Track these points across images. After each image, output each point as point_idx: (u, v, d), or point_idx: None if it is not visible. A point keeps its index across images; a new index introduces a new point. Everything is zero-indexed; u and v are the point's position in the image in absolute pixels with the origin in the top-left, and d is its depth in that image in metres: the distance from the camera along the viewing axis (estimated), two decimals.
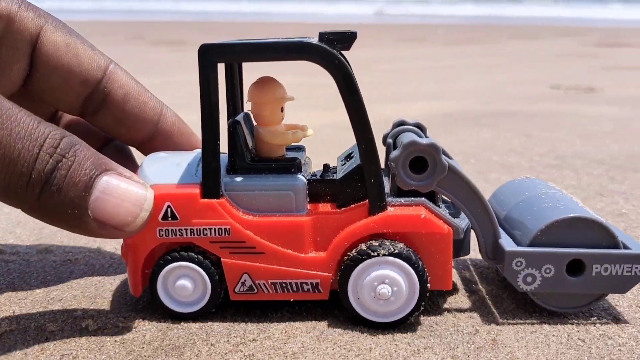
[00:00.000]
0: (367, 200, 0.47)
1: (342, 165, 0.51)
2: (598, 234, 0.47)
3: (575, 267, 0.47)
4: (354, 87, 0.44)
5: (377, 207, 0.47)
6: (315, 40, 0.44)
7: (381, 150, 0.54)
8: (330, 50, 0.44)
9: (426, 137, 0.55)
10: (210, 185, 0.46)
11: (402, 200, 0.47)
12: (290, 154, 0.51)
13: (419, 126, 0.55)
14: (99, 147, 0.58)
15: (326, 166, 0.50)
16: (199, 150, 0.52)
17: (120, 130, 0.55)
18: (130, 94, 0.54)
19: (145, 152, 0.58)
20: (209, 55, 0.44)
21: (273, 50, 0.44)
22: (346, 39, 0.44)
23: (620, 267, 0.46)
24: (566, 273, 0.47)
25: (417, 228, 0.46)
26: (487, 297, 0.53)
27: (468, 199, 0.47)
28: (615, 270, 0.46)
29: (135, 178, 0.46)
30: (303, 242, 0.47)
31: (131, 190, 0.44)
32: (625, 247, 0.47)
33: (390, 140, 0.54)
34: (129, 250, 0.48)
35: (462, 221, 0.50)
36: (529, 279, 0.47)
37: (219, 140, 0.45)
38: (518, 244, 0.48)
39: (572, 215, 0.46)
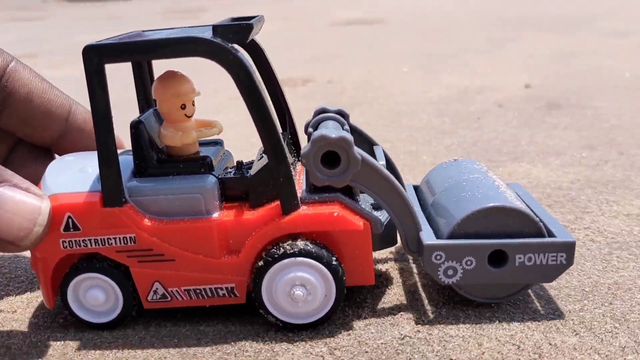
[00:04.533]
0: None
1: (259, 160, 0.49)
2: (519, 222, 0.45)
3: (498, 257, 0.45)
4: (253, 84, 0.41)
5: (289, 206, 0.44)
6: (208, 34, 0.41)
7: (303, 139, 0.52)
8: (224, 45, 0.40)
9: (348, 124, 0.52)
10: (110, 193, 0.44)
11: (317, 197, 0.45)
12: (205, 150, 0.48)
13: (341, 113, 0.53)
14: (12, 148, 0.56)
15: (239, 163, 0.48)
16: None
17: (26, 131, 0.53)
18: (33, 92, 0.51)
19: (59, 152, 0.55)
20: (93, 58, 0.41)
21: (160, 48, 0.41)
22: (242, 31, 0.41)
23: (544, 256, 0.45)
24: (488, 264, 0.45)
25: (331, 226, 0.44)
26: (420, 289, 0.51)
27: (385, 193, 0.45)
28: (539, 260, 0.45)
29: (33, 189, 0.43)
30: (214, 246, 0.45)
31: (25, 202, 0.42)
32: (550, 234, 0.46)
33: (311, 130, 0.51)
34: (37, 262, 0.46)
35: (384, 214, 0.48)
36: (450, 272, 0.45)
37: (114, 145, 0.43)
38: (442, 234, 0.46)
39: (490, 205, 0.44)
